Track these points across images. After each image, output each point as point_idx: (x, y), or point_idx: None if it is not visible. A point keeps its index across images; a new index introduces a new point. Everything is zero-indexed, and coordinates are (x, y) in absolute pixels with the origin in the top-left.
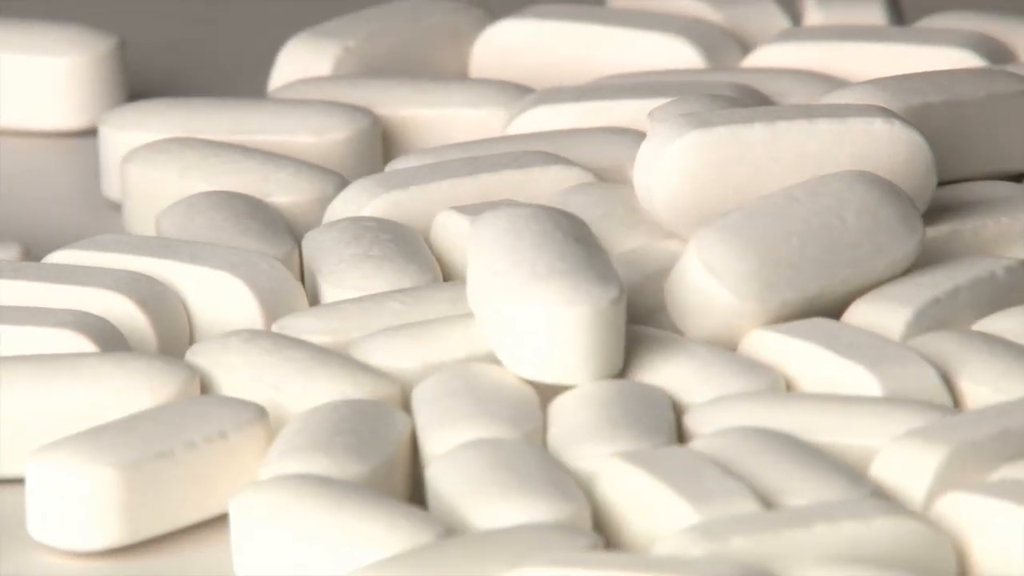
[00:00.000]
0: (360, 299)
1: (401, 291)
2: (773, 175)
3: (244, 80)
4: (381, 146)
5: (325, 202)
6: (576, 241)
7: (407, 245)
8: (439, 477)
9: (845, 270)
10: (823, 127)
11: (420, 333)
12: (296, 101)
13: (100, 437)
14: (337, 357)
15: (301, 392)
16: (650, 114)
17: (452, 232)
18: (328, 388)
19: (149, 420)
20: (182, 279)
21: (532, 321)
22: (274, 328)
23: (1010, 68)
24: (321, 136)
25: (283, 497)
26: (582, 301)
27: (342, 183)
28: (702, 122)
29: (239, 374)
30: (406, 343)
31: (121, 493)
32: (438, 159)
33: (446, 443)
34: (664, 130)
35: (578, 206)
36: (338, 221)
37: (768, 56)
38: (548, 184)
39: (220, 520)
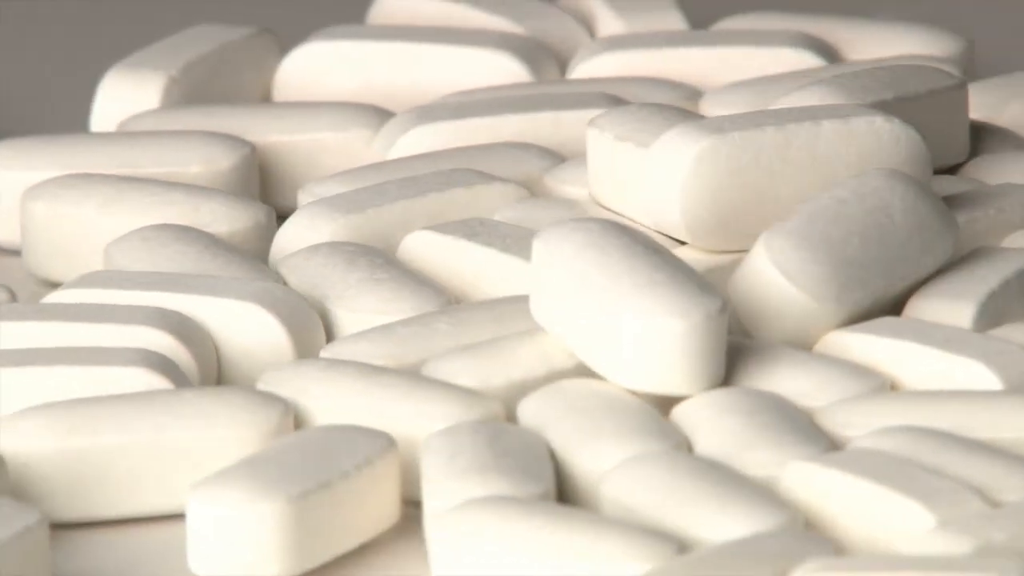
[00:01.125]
0: (406, 322)
1: (440, 312)
2: (786, 178)
3: (51, 116)
4: (258, 174)
5: (260, 231)
6: (656, 252)
7: (403, 267)
8: (624, 493)
9: (901, 268)
10: (829, 128)
11: (495, 352)
12: (171, 132)
13: (258, 471)
14: (430, 380)
15: (412, 416)
16: (592, 122)
17: (424, 252)
18: (439, 411)
19: (294, 452)
20: (205, 312)
21: (644, 332)
22: (324, 354)
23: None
24: (209, 166)
25: (498, 519)
26: (694, 311)
27: (271, 212)
28: (715, 128)
29: (328, 402)
30: (486, 363)
31: (290, 526)
32: (362, 182)
33: (605, 459)
34: (675, 138)
35: (548, 222)
36: (316, 247)
37: (603, 65)
38: (493, 201)
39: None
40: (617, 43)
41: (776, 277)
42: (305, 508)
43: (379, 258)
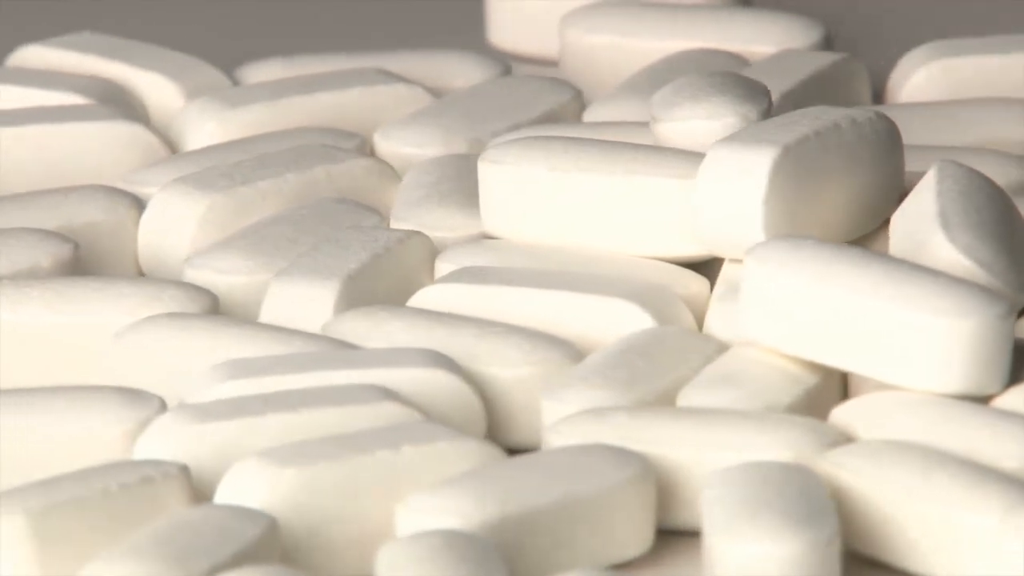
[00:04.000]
0: (604, 365)
1: (618, 353)
2: (826, 181)
3: None
4: None
5: (213, 311)
6: (903, 260)
7: (488, 319)
8: None
9: None
10: (846, 128)
11: (744, 379)
12: None
13: (776, 510)
14: (746, 413)
15: (765, 450)
16: (487, 158)
17: (439, 307)
18: (793, 440)
19: (769, 491)
20: (391, 385)
21: (960, 333)
22: (556, 404)
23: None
24: (57, 258)
25: None
26: (1000, 307)
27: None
28: (770, 140)
29: (674, 447)
30: (748, 390)
31: (828, 562)
32: (248, 251)
33: None
34: (735, 154)
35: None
36: (368, 311)
37: (234, 122)
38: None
39: None
40: (231, 100)
41: (976, 271)
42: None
43: (447, 315)
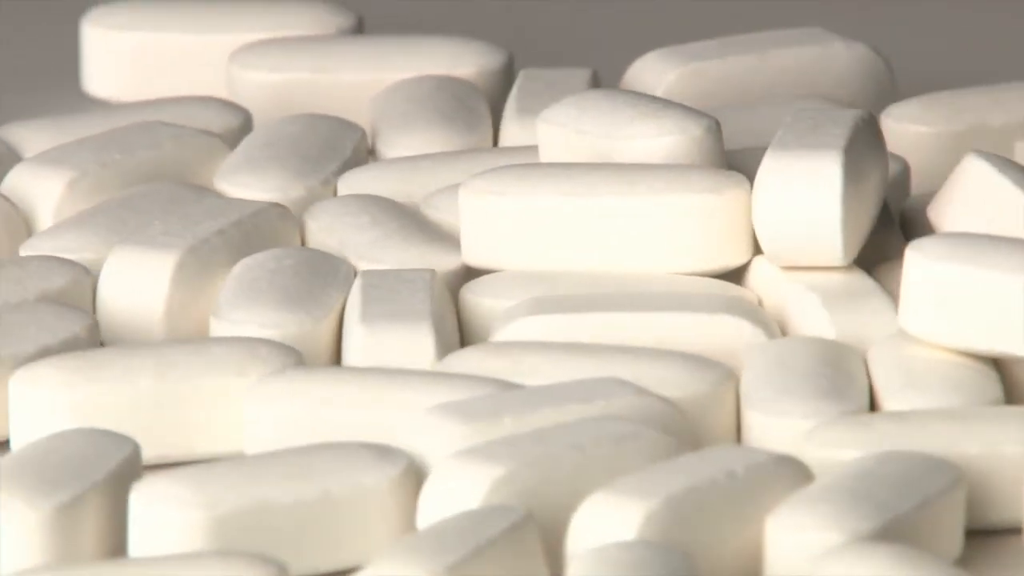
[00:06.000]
0: (804, 375)
1: (777, 367)
2: (859, 183)
3: None
4: None
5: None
6: None
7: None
8: None
9: None
10: (863, 128)
11: (941, 381)
12: None
13: None
14: (977, 408)
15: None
16: (471, 188)
17: (538, 335)
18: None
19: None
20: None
21: None
22: (837, 430)
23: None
24: (88, 329)
25: None
26: None
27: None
28: (826, 144)
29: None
30: (944, 393)
31: None
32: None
33: None
34: (802, 162)
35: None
36: (498, 348)
37: (81, 184)
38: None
39: None
40: (69, 163)
41: None
42: None
43: (579, 345)
